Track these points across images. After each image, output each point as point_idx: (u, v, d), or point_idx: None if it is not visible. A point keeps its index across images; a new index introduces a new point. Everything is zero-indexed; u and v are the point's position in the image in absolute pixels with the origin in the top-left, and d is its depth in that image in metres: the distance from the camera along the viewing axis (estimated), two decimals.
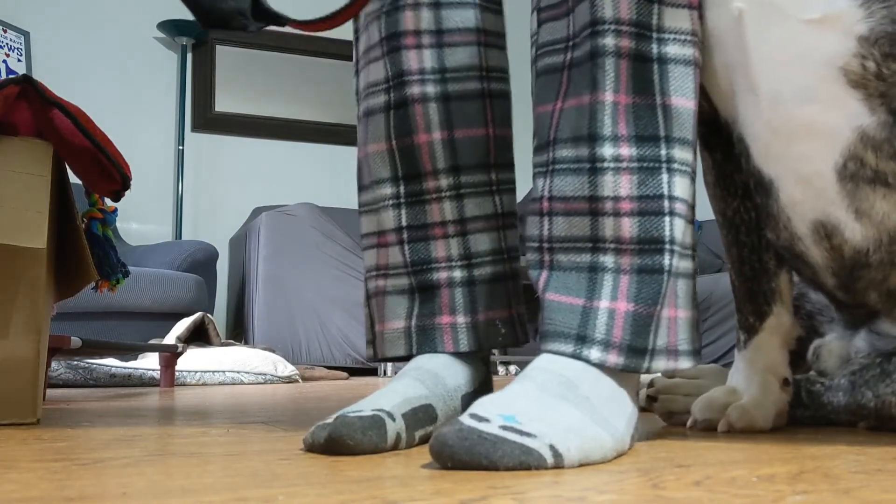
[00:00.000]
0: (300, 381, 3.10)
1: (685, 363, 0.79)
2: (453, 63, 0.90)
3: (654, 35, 0.77)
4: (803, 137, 0.83)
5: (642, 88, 0.77)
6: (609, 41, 0.76)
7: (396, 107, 0.90)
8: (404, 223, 0.91)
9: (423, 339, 0.90)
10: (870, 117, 0.80)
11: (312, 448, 0.75)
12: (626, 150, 0.76)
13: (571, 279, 0.77)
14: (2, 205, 1.03)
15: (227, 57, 4.57)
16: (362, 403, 0.79)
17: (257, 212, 4.26)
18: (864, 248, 0.88)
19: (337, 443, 0.72)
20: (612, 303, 0.76)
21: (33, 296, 1.08)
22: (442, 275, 0.90)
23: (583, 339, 0.75)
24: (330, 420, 0.75)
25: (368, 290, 0.96)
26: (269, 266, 3.81)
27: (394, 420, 0.76)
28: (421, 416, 0.80)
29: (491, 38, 0.93)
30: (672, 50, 0.78)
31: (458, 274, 0.90)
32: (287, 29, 0.83)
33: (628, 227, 0.76)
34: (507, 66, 0.95)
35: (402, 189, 0.91)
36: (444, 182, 0.90)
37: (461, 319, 0.90)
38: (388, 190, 0.92)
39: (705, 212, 6.44)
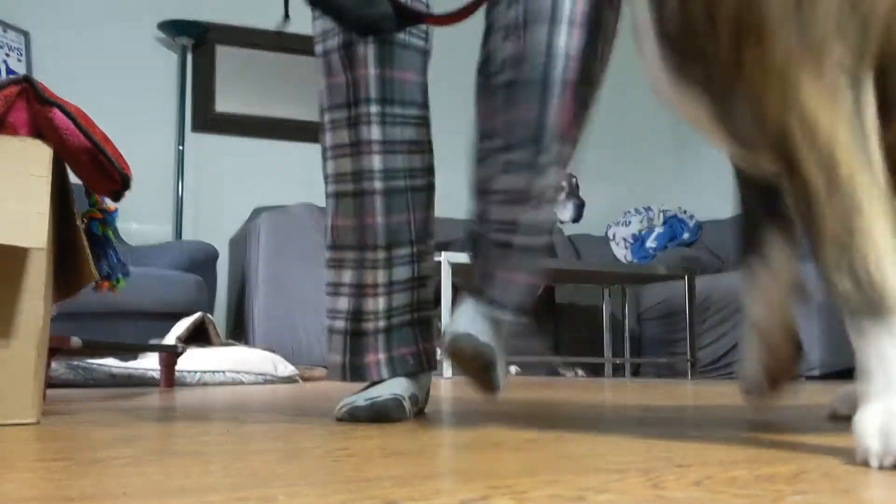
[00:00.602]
0: (300, 381, 3.10)
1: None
2: (394, 166, 1.21)
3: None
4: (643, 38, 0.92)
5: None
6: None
7: (357, 195, 1.22)
8: (353, 281, 1.23)
9: (355, 372, 1.22)
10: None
11: (356, 419, 1.15)
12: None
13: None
14: (2, 205, 1.03)
15: (227, 57, 4.57)
16: (374, 392, 1.17)
17: (257, 212, 4.26)
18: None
19: (383, 415, 1.13)
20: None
21: (33, 296, 1.08)
22: (370, 325, 1.22)
23: None
24: (362, 404, 1.15)
25: (326, 324, 1.30)
26: (269, 266, 3.81)
27: (406, 400, 1.17)
28: (415, 398, 1.23)
29: (423, 145, 1.25)
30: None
31: (381, 324, 1.22)
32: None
33: None
34: (433, 164, 1.27)
35: (356, 255, 1.22)
36: (381, 255, 1.21)
37: (381, 356, 1.22)
38: (350, 255, 1.23)
39: (705, 212, 6.37)
